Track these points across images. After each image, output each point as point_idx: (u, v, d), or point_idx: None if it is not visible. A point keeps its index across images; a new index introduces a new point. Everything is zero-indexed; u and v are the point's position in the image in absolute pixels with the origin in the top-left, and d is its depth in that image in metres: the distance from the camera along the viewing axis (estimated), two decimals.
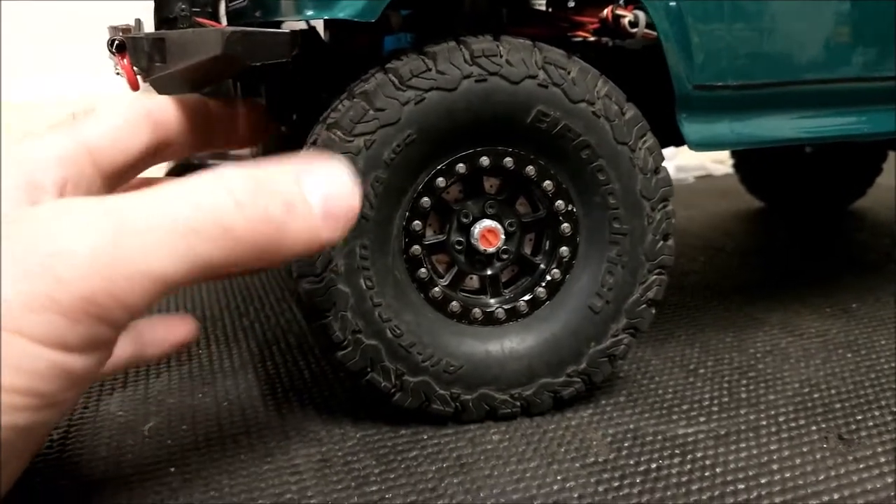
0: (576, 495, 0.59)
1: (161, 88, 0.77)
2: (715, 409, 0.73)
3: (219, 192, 0.45)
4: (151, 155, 0.65)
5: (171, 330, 0.66)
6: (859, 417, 0.71)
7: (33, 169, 0.53)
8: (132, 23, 0.83)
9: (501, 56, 0.65)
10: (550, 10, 0.88)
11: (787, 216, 1.56)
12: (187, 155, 0.70)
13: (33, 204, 0.51)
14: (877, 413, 0.72)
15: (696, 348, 0.88)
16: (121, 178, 0.63)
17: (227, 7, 0.78)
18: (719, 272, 1.19)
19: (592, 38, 0.86)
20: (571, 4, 0.86)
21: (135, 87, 0.73)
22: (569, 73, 0.66)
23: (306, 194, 0.47)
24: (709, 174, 2.01)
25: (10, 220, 0.43)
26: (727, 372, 0.82)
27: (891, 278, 1.13)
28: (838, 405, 0.74)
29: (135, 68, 0.72)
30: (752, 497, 0.59)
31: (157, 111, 0.66)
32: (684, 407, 0.74)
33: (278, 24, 0.69)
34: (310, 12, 0.61)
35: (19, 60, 1.73)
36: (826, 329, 0.94)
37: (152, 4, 0.76)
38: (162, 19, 0.73)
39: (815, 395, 0.76)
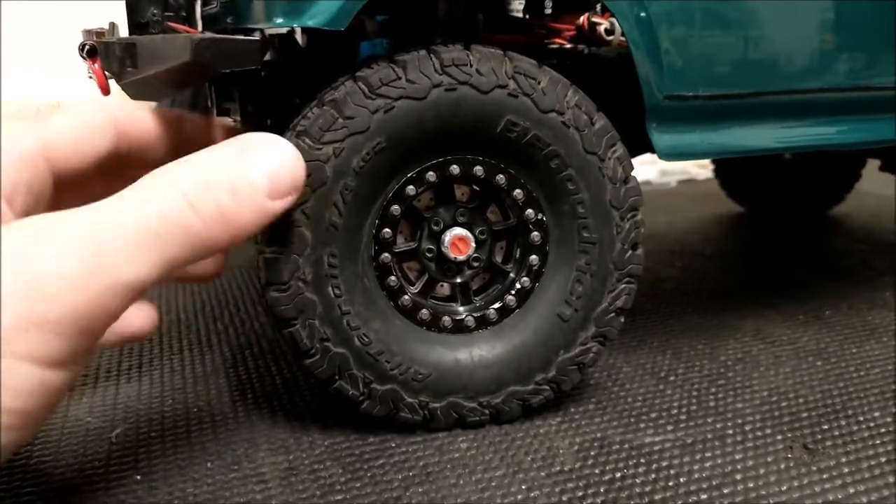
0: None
1: (133, 93, 0.77)
2: (683, 417, 0.74)
3: (174, 197, 0.50)
4: (112, 164, 0.64)
5: (128, 321, 0.65)
6: (825, 427, 0.72)
7: None
8: (106, 26, 0.83)
9: (471, 65, 0.65)
10: (527, 16, 0.88)
11: (767, 221, 1.57)
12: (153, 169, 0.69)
13: None
14: (843, 423, 0.73)
15: (668, 355, 0.88)
16: (74, 183, 0.62)
17: (201, 11, 0.77)
18: (696, 278, 1.20)
19: (569, 46, 0.86)
20: (548, 11, 0.86)
21: (105, 91, 0.73)
22: (539, 82, 0.67)
23: (249, 174, 0.53)
24: (691, 178, 2.02)
25: None
26: (697, 380, 0.82)
27: (865, 285, 1.14)
28: (805, 414, 0.74)
29: (106, 73, 0.72)
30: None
31: (125, 119, 0.65)
32: (652, 415, 0.74)
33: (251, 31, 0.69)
34: (279, 20, 0.61)
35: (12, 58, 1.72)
36: (798, 337, 0.94)
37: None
38: (135, 24, 0.73)
39: (783, 404, 0.76)
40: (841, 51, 0.81)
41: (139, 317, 0.65)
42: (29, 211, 0.55)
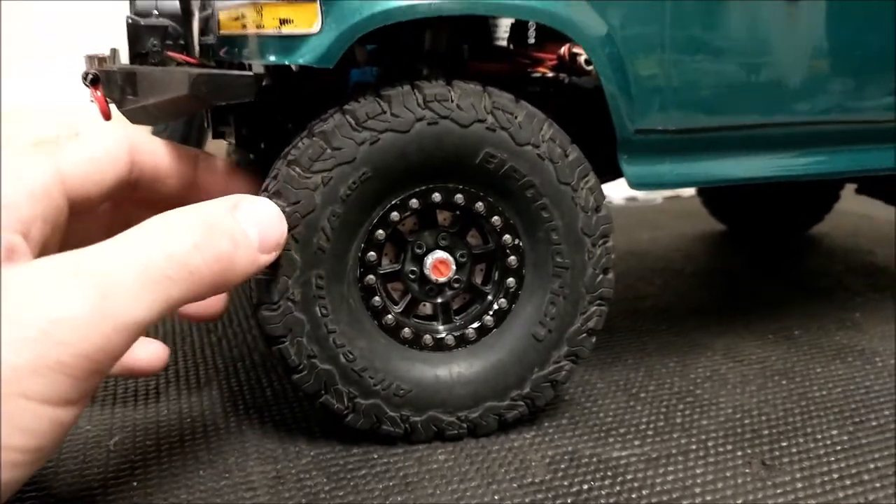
0: None
1: (133, 118, 0.81)
2: (650, 433, 0.78)
3: (182, 238, 0.53)
4: (125, 190, 0.69)
5: (133, 355, 0.70)
6: (784, 444, 0.76)
7: (5, 208, 0.57)
8: (108, 51, 0.87)
9: (452, 101, 0.69)
10: (511, 46, 0.93)
11: (749, 239, 1.61)
12: (163, 200, 0.72)
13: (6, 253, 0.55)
14: (801, 440, 0.77)
15: (641, 372, 0.93)
16: (87, 209, 0.66)
17: (199, 41, 0.82)
18: (674, 295, 1.24)
19: (551, 74, 0.91)
20: (531, 41, 0.91)
21: (107, 116, 0.77)
22: (516, 117, 0.71)
23: (244, 226, 0.58)
24: (677, 195, 2.06)
25: None
26: (666, 396, 0.86)
27: (836, 305, 1.18)
28: (766, 431, 0.79)
29: (108, 99, 0.76)
30: None
31: (140, 149, 0.70)
32: (622, 430, 0.78)
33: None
34: (272, 58, 0.66)
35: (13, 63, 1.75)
36: (766, 356, 0.99)
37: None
38: (135, 54, 0.77)
39: (746, 422, 0.81)
40: (807, 87, 0.85)
41: (148, 353, 0.69)
42: (45, 241, 0.59)
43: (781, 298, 1.23)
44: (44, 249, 0.60)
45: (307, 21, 0.65)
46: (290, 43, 0.65)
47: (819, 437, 0.78)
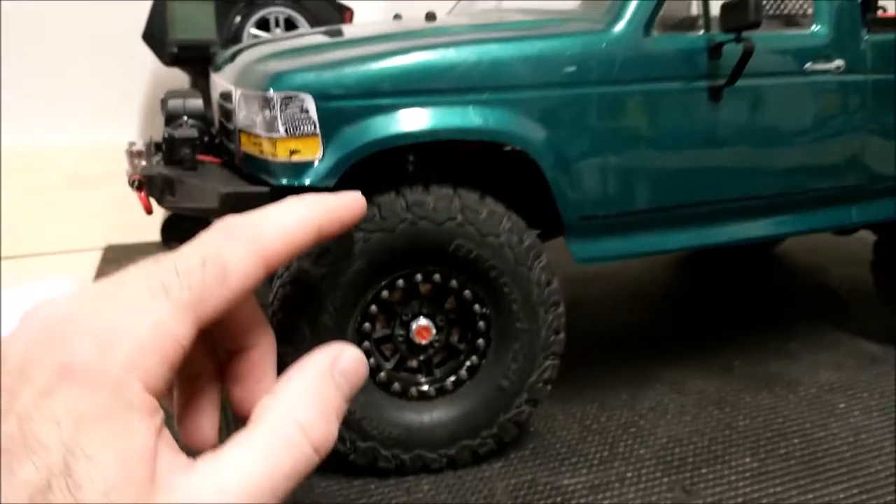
0: None
1: (170, 208, 0.98)
2: (596, 461, 0.95)
3: (302, 446, 0.38)
4: None
5: None
6: (703, 471, 0.94)
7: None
8: (144, 140, 1.04)
9: (429, 205, 0.86)
10: None
11: (716, 259, 1.77)
12: None
13: None
14: (719, 467, 0.94)
15: (596, 405, 1.10)
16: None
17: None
18: (638, 325, 1.41)
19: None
20: None
21: (148, 211, 0.94)
22: (480, 214, 0.88)
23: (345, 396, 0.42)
24: None
25: None
26: (614, 427, 1.04)
27: (778, 334, 1.35)
28: (691, 459, 0.96)
29: (149, 197, 0.93)
30: None
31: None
32: (573, 460, 0.96)
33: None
34: (284, 181, 0.83)
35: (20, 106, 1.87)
36: (706, 386, 1.16)
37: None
38: (170, 160, 0.94)
39: (677, 451, 0.98)
40: (729, 171, 1.01)
41: None
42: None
43: (732, 326, 1.39)
44: None
45: (312, 151, 0.81)
46: (298, 168, 0.82)
47: (734, 464, 0.95)
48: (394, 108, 0.82)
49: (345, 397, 0.39)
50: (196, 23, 1.65)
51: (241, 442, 0.33)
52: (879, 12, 1.22)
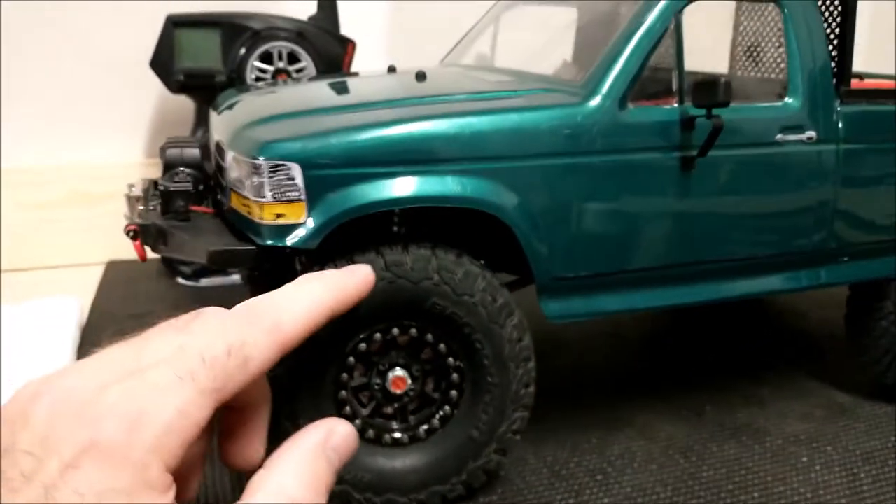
0: None
1: (166, 255, 1.03)
2: None
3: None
4: None
5: None
6: None
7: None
8: (141, 184, 1.09)
9: (407, 265, 0.91)
10: None
11: None
12: None
13: None
14: None
15: (567, 450, 1.14)
16: None
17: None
18: (614, 367, 1.45)
19: None
20: None
21: (143, 259, 0.99)
22: (456, 275, 0.92)
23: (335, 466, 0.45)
24: None
25: None
26: (582, 474, 1.08)
27: (749, 380, 1.38)
28: None
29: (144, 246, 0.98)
30: None
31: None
32: None
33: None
34: (269, 242, 0.88)
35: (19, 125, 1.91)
36: (674, 433, 1.20)
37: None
38: (166, 211, 0.99)
39: (640, 500, 1.03)
40: (697, 236, 1.05)
41: None
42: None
43: (707, 370, 1.43)
44: None
45: (296, 215, 0.86)
46: (284, 230, 0.87)
47: None
48: (375, 176, 0.87)
49: (335, 472, 0.43)
50: (202, 52, 1.70)
51: None
52: (855, 81, 1.26)
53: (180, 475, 0.36)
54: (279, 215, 0.86)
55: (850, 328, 1.33)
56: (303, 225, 0.87)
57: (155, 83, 1.74)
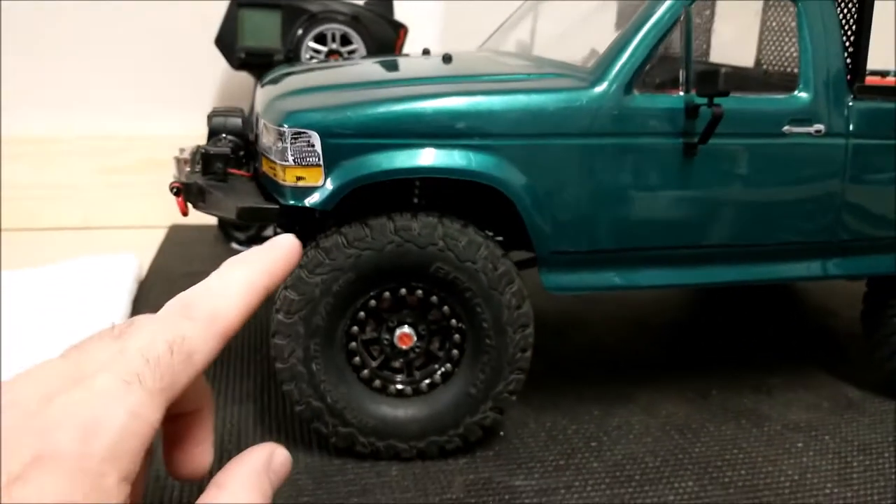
0: None
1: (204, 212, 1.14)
2: (551, 468, 1.07)
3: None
4: None
5: None
6: (646, 489, 1.04)
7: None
8: (187, 148, 1.19)
9: (415, 230, 0.99)
10: None
11: (732, 291, 1.83)
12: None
13: None
14: (661, 487, 1.04)
15: (567, 418, 1.21)
16: None
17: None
18: (631, 349, 1.50)
19: None
20: None
21: (184, 214, 1.10)
22: (460, 242, 1.00)
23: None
24: None
25: None
26: (577, 440, 1.14)
27: (762, 369, 1.41)
28: (638, 477, 1.06)
29: (186, 203, 1.09)
30: None
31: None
32: (531, 464, 1.07)
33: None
34: (291, 201, 0.97)
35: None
36: (675, 412, 1.24)
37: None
38: (206, 172, 1.10)
39: (628, 468, 1.08)
40: (694, 220, 1.09)
41: None
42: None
43: (722, 357, 1.47)
44: None
45: (315, 178, 0.96)
46: (303, 191, 0.97)
47: (676, 486, 1.05)
48: (388, 147, 0.96)
49: (274, 492, 0.44)
50: (263, 32, 1.82)
51: None
52: (877, 79, 1.27)
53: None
54: (300, 178, 0.96)
55: (866, 324, 1.35)
56: (320, 188, 0.96)
57: (219, 60, 1.87)
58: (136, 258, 1.72)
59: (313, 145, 0.95)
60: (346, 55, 1.79)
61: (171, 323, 0.37)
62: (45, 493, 0.29)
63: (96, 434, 0.31)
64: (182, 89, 2.09)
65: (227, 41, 1.83)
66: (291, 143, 0.95)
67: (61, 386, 0.33)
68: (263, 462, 0.43)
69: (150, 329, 0.37)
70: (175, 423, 0.42)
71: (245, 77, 1.94)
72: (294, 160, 0.96)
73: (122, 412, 0.32)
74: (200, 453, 0.43)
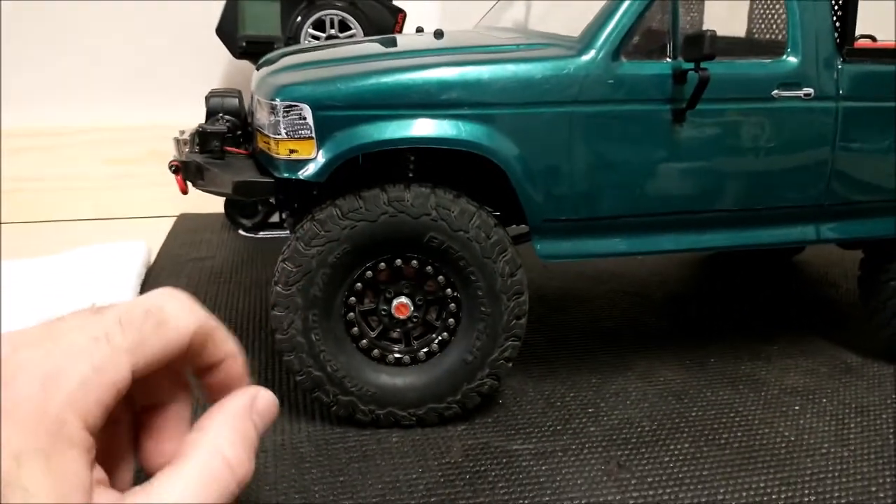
0: (423, 482, 0.97)
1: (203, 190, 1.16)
2: (548, 433, 1.09)
3: (227, 480, 0.41)
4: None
5: None
6: (642, 450, 1.05)
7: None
8: (187, 130, 1.22)
9: (408, 201, 1.01)
10: None
11: (730, 265, 1.84)
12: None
13: None
14: (657, 449, 1.05)
15: (566, 385, 1.22)
16: None
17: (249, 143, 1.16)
18: (631, 321, 1.52)
19: None
20: None
21: (184, 192, 1.13)
22: (452, 212, 1.02)
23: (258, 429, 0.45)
24: None
25: None
26: (574, 406, 1.16)
27: (761, 337, 1.43)
28: (634, 440, 1.08)
29: (185, 181, 1.12)
30: (532, 498, 0.95)
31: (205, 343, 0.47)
32: (529, 430, 1.09)
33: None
34: (285, 174, 0.99)
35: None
36: (673, 378, 1.26)
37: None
38: (203, 150, 1.12)
39: (624, 431, 1.10)
40: (690, 184, 1.11)
41: None
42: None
43: (721, 326, 1.48)
44: None
45: (307, 151, 0.98)
46: (296, 164, 0.99)
47: (672, 447, 1.06)
48: (378, 118, 0.97)
49: (259, 435, 0.43)
50: (263, 20, 1.84)
51: (170, 475, 0.35)
52: (866, 41, 1.27)
53: (111, 462, 0.37)
54: (292, 151, 0.98)
55: (863, 290, 1.35)
56: (313, 160, 0.98)
57: (221, 50, 1.90)
58: (145, 245, 1.75)
59: (305, 118, 0.97)
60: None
61: (155, 295, 0.38)
62: (8, 441, 0.29)
63: (57, 383, 0.31)
64: (187, 79, 2.11)
65: (227, 30, 1.86)
66: (283, 117, 0.97)
67: (35, 343, 0.33)
68: (245, 404, 0.43)
69: (134, 301, 0.38)
70: (150, 414, 0.41)
71: (247, 66, 1.96)
72: (287, 133, 0.98)
73: (86, 365, 0.33)
74: (172, 450, 0.41)
